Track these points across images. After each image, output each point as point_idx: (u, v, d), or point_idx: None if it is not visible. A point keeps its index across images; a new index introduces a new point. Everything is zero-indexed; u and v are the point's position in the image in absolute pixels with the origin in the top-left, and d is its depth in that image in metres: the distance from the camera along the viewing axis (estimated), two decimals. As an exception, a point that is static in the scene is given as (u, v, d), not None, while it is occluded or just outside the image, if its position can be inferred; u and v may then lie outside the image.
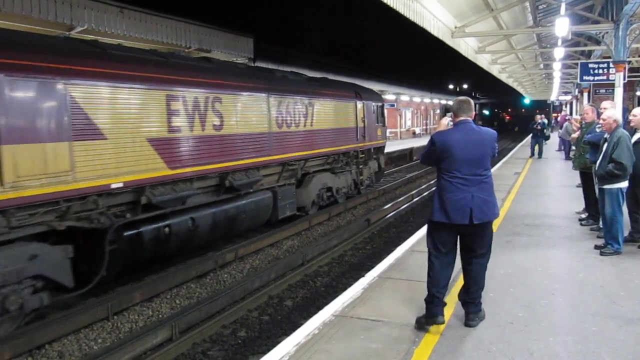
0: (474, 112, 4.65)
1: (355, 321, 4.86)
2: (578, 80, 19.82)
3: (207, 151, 8.90)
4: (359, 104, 15.29)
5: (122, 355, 5.85)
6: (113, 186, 7.15)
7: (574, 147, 11.40)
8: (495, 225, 8.70)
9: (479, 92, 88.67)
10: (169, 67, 8.51)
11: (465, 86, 79.04)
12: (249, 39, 17.48)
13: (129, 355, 5.91)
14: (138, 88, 7.65)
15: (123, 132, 7.35)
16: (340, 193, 14.67)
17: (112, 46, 8.28)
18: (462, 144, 4.42)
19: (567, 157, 18.99)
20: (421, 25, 13.39)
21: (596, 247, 7.01)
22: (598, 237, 7.43)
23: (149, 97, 7.82)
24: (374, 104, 16.57)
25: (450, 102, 5.18)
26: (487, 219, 4.43)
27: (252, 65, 14.45)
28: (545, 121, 22.73)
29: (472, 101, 4.68)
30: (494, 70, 28.67)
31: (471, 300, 4.62)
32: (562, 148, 21.81)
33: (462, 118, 4.55)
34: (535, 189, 12.87)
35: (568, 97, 43.33)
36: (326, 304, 5.66)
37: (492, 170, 17.37)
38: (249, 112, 10.16)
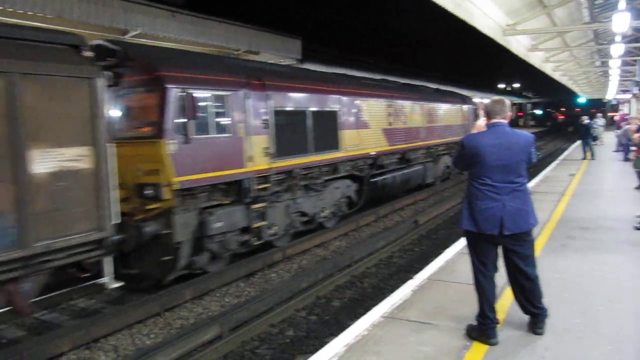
0: (509, 114, 4.39)
1: (404, 323, 4.82)
2: (637, 78, 19.02)
3: (400, 137, 14.86)
4: (464, 107, 21.21)
5: (173, 350, 5.99)
6: (371, 153, 13.09)
7: (633, 148, 10.94)
8: (549, 228, 8.47)
9: (530, 91, 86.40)
10: (384, 87, 14.91)
11: (516, 85, 77.23)
12: (297, 41, 17.58)
13: (180, 351, 6.04)
14: (376, 100, 13.67)
15: (373, 124, 13.25)
16: (454, 172, 20.07)
17: (361, 77, 15.78)
18: (493, 148, 4.17)
19: (626, 158, 18.25)
20: (471, 24, 13.14)
21: (658, 252, 6.71)
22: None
23: (380, 105, 13.82)
24: (471, 107, 22.14)
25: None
26: (519, 230, 4.18)
27: (405, 82, 19.76)
28: (600, 121, 21.86)
29: (507, 101, 4.45)
30: (547, 68, 27.83)
31: (538, 310, 4.43)
32: (621, 149, 20.95)
33: (495, 120, 4.32)
34: (591, 191, 12.43)
35: (627, 96, 41.65)
36: (374, 305, 5.62)
37: (545, 172, 16.86)
38: (415, 113, 16.08)
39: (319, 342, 6.22)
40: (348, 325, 5.16)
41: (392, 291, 6.12)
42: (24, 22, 9.50)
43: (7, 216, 5.42)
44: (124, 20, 11.48)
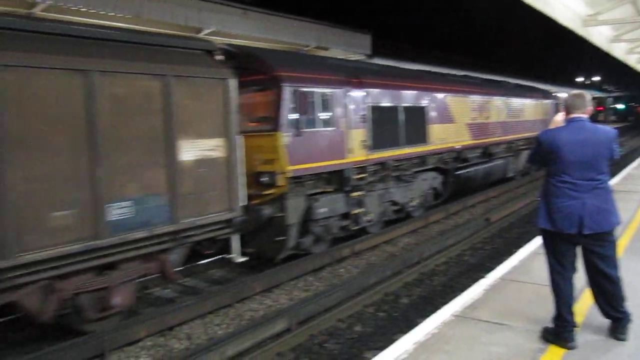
0: (589, 108, 4.18)
1: (476, 323, 4.70)
2: None
3: (483, 131, 15.28)
4: (546, 102, 21.57)
5: (244, 341, 6.12)
6: (456, 147, 13.59)
7: None
8: (632, 228, 8.02)
9: (611, 84, 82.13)
10: (467, 83, 15.49)
11: (596, 78, 73.75)
12: (367, 36, 17.49)
13: (250, 342, 6.17)
14: (461, 96, 14.12)
15: (458, 119, 13.71)
16: (534, 167, 19.18)
17: (446, 74, 16.70)
18: (572, 144, 4.00)
19: None
20: (550, 15, 12.59)
21: None
22: None
23: (464, 100, 14.26)
24: (552, 101, 22.43)
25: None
26: (600, 230, 3.97)
27: (487, 78, 20.44)
28: None
29: (587, 95, 4.23)
30: (631, 60, 26.25)
31: (620, 315, 4.20)
32: None
33: (574, 115, 4.13)
34: (680, 190, 11.64)
35: None
36: (444, 303, 5.53)
37: (628, 169, 15.96)
38: (497, 108, 16.45)
39: (387, 339, 6.17)
40: (417, 323, 5.10)
41: (462, 290, 5.99)
42: (103, 22, 9.96)
43: (163, 196, 6.39)
44: (198, 19, 11.83)
